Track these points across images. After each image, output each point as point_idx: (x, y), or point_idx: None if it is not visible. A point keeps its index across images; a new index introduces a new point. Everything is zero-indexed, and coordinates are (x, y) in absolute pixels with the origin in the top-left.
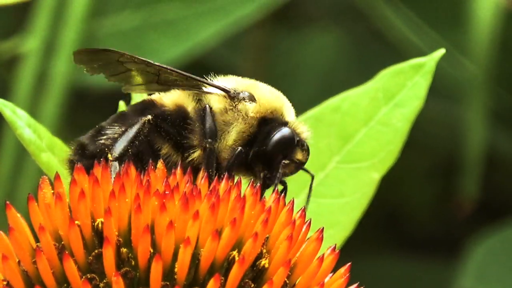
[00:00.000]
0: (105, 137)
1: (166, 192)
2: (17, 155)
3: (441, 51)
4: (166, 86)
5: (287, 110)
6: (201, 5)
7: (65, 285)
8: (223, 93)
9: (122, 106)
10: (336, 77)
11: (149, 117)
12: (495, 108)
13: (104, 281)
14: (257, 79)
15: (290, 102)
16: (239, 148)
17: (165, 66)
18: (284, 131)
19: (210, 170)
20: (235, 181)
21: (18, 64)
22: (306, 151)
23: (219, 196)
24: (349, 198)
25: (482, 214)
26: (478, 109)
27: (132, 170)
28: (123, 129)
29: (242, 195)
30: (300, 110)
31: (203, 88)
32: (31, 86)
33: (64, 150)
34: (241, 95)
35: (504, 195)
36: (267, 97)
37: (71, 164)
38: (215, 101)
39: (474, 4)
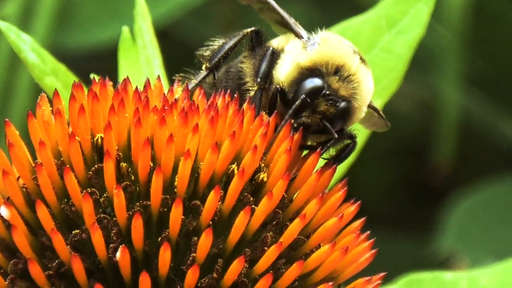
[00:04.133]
0: (208, 48)
1: (165, 108)
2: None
3: None
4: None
5: (344, 68)
6: None
7: (65, 200)
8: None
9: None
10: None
11: (249, 30)
12: (468, 74)
13: (105, 195)
14: None
15: None
16: (277, 86)
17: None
18: (315, 80)
19: (254, 104)
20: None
21: None
22: (332, 107)
23: (218, 110)
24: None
25: (455, 179)
26: (452, 74)
27: (130, 87)
28: (223, 41)
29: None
30: None
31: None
32: (10, 50)
33: (68, 76)
34: (309, 44)
35: (477, 159)
36: (328, 51)
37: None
38: (292, 44)
39: None
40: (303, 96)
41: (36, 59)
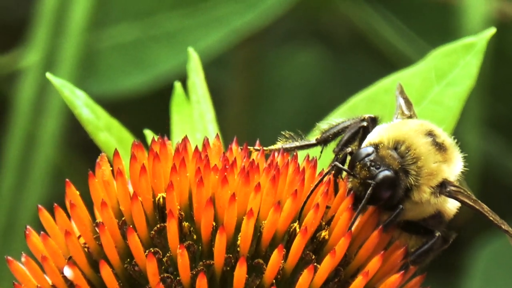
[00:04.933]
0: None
1: (226, 167)
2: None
3: (492, 30)
4: None
5: (404, 144)
6: (201, 15)
7: (128, 259)
8: None
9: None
10: (321, 90)
11: (365, 124)
12: (488, 118)
13: (168, 254)
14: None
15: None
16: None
17: None
18: (368, 148)
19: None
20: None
21: (18, 79)
22: (369, 172)
23: (279, 169)
24: None
25: (478, 223)
26: (473, 120)
27: (189, 146)
28: (342, 120)
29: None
30: (286, 123)
31: None
32: (32, 101)
33: (121, 131)
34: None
35: (497, 203)
36: (394, 128)
37: None
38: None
39: (464, 13)
40: (347, 153)
41: (90, 115)
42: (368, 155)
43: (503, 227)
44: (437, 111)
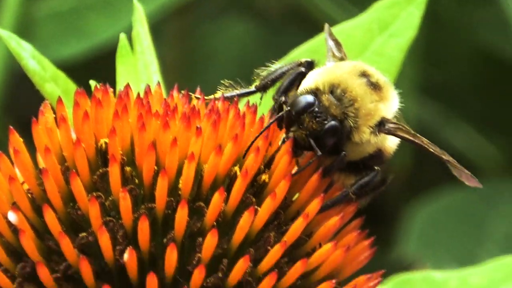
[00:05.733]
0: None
1: (168, 112)
2: None
3: None
4: None
5: (340, 87)
6: None
7: (71, 204)
8: None
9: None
10: (253, 62)
11: (303, 69)
12: (423, 84)
13: (110, 198)
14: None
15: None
16: (282, 99)
17: None
18: (308, 97)
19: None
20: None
21: None
22: (317, 124)
23: (220, 114)
24: None
25: (409, 187)
26: (407, 84)
27: (131, 93)
28: (280, 66)
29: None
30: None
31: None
32: None
33: (67, 82)
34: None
35: (433, 169)
36: (328, 72)
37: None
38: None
39: None
40: (288, 108)
41: (36, 66)
42: (310, 104)
43: (443, 157)
44: (379, 62)
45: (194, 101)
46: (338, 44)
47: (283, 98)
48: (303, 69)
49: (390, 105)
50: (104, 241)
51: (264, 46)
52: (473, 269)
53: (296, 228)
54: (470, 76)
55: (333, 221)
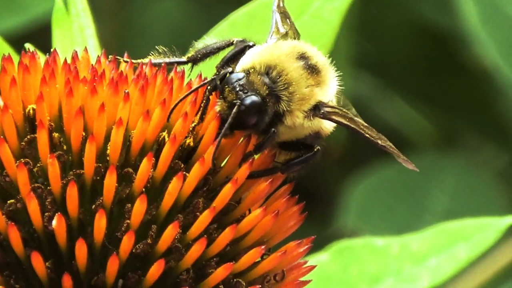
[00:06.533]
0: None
1: (95, 78)
2: None
3: None
4: None
5: (276, 69)
6: None
7: None
8: None
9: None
10: (186, 36)
11: (237, 39)
12: (356, 57)
13: (38, 165)
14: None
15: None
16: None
17: None
18: (239, 73)
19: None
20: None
21: None
22: (235, 94)
23: (147, 79)
24: None
25: (345, 163)
26: (342, 58)
27: (59, 59)
28: (215, 41)
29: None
30: None
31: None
32: None
33: (2, 45)
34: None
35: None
36: (266, 52)
37: None
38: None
39: None
40: (214, 77)
41: None
42: (237, 78)
43: (379, 143)
44: (317, 25)
45: (122, 67)
46: (286, 17)
47: (229, 69)
48: (250, 44)
49: (328, 88)
50: (33, 207)
51: (196, 20)
52: (414, 235)
53: (225, 193)
54: (405, 50)
55: (262, 187)
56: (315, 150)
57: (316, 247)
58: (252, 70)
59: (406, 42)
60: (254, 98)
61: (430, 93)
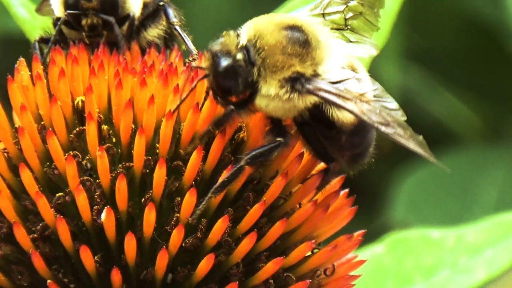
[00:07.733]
0: None
1: (145, 69)
2: None
3: None
4: None
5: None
6: None
7: (48, 163)
8: None
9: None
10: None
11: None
12: (405, 50)
13: (87, 157)
14: None
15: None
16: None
17: None
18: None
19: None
20: None
21: None
22: (212, 60)
23: (197, 71)
24: None
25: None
26: (390, 52)
27: (107, 51)
28: None
29: None
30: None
31: None
32: None
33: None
34: None
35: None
36: (264, 20)
37: None
38: None
39: None
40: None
41: (26, 14)
42: (212, 46)
43: (381, 128)
44: None
45: (172, 59)
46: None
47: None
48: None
49: (318, 64)
50: (81, 201)
51: (241, 13)
52: (471, 227)
53: (275, 187)
54: (453, 42)
55: (312, 180)
56: (278, 141)
57: (365, 240)
58: (243, 36)
59: (454, 34)
60: (223, 60)
61: (478, 85)
